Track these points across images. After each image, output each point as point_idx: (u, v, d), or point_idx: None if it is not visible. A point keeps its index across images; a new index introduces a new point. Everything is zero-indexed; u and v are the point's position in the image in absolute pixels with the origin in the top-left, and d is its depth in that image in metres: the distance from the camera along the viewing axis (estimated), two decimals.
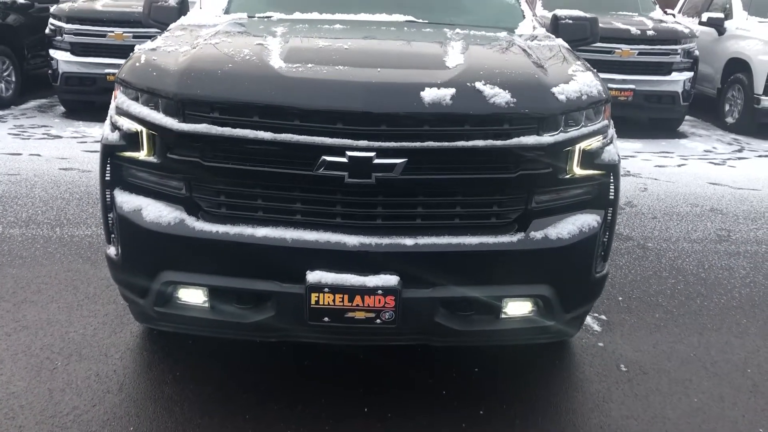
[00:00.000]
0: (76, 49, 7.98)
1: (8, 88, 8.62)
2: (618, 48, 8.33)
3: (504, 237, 2.56)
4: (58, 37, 8.03)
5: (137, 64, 2.73)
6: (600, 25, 4.00)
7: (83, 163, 6.20)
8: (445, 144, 2.44)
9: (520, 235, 2.57)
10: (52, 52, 8.06)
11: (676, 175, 6.82)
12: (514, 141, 2.48)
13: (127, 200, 2.63)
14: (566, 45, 3.37)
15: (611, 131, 2.77)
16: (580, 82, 2.67)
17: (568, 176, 2.61)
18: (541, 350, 3.30)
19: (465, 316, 2.62)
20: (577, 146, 2.60)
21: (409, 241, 2.50)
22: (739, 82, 9.08)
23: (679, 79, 8.49)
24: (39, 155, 6.43)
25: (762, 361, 3.35)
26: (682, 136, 8.79)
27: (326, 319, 2.49)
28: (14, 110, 8.43)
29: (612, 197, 2.74)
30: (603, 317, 3.70)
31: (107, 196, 2.69)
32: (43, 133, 7.32)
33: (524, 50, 3.02)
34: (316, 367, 3.10)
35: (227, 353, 3.17)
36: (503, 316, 2.64)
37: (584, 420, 2.82)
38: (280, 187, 2.50)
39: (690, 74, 8.58)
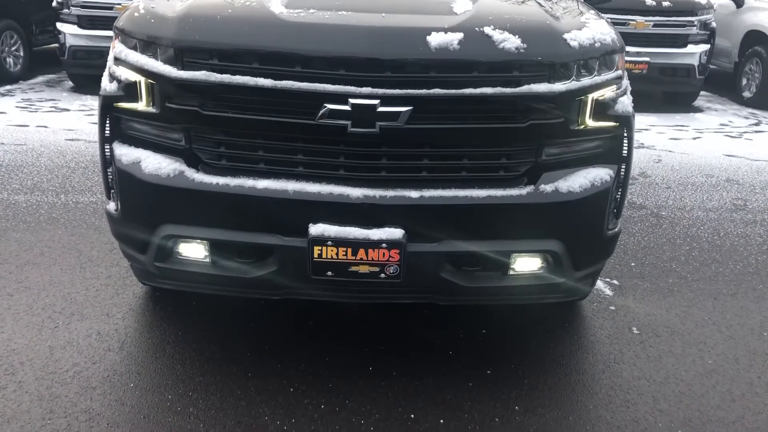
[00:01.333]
0: (84, 22, 7.91)
1: (16, 63, 8.60)
2: (632, 20, 8.12)
3: (513, 190, 2.48)
4: (66, 10, 7.96)
5: (136, 13, 2.65)
6: None
7: (90, 134, 6.16)
8: (452, 91, 2.34)
9: (529, 188, 2.48)
10: (60, 26, 8.00)
11: (691, 148, 6.68)
12: (525, 89, 2.38)
13: (126, 153, 2.57)
14: None
15: (625, 82, 2.67)
16: (594, 29, 2.56)
17: (580, 127, 2.51)
18: (550, 312, 3.22)
19: (472, 272, 2.55)
20: (590, 96, 2.49)
21: (414, 194, 2.42)
22: (757, 55, 8.86)
23: (695, 52, 8.26)
24: (46, 127, 6.39)
25: None
26: (698, 110, 8.61)
27: (329, 273, 2.42)
28: (22, 85, 8.40)
29: (626, 151, 2.64)
30: (615, 282, 3.61)
31: (106, 149, 2.63)
32: (51, 107, 7.28)
33: (536, 0, 2.91)
34: (320, 327, 3.05)
35: (231, 314, 3.12)
36: (511, 272, 2.56)
37: (594, 380, 2.75)
38: (281, 137, 2.43)
39: (706, 47, 8.35)
